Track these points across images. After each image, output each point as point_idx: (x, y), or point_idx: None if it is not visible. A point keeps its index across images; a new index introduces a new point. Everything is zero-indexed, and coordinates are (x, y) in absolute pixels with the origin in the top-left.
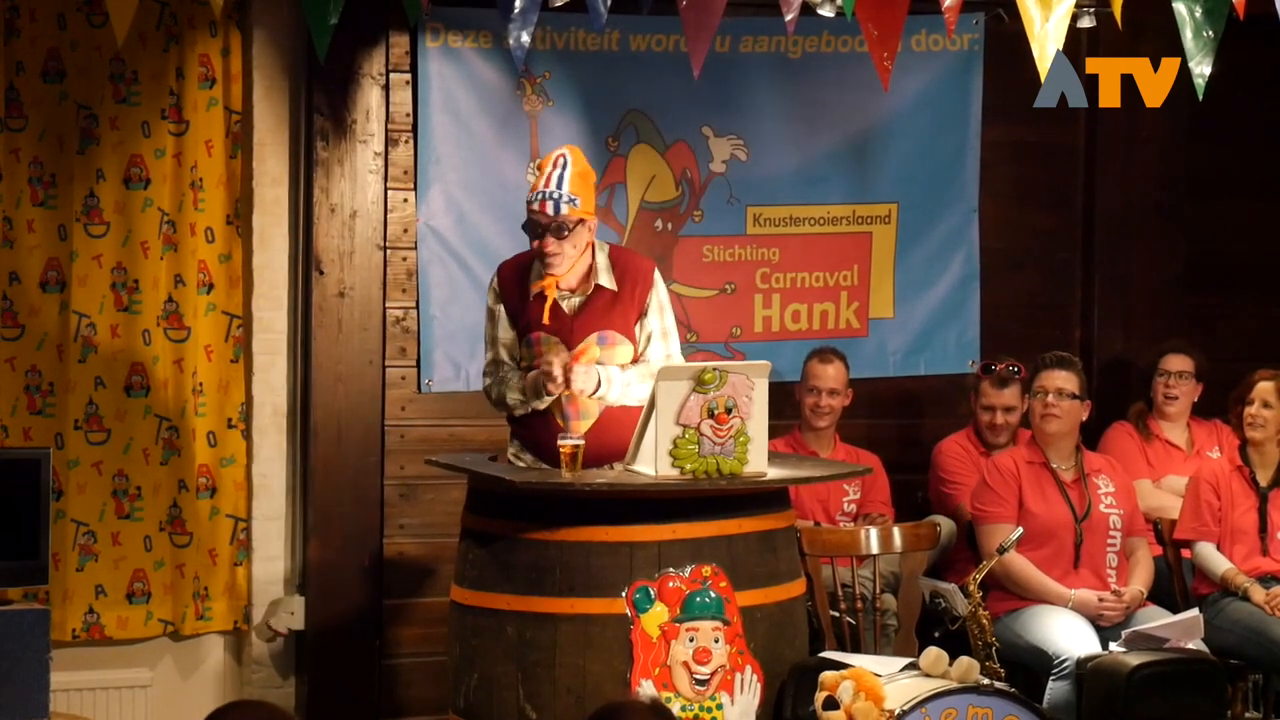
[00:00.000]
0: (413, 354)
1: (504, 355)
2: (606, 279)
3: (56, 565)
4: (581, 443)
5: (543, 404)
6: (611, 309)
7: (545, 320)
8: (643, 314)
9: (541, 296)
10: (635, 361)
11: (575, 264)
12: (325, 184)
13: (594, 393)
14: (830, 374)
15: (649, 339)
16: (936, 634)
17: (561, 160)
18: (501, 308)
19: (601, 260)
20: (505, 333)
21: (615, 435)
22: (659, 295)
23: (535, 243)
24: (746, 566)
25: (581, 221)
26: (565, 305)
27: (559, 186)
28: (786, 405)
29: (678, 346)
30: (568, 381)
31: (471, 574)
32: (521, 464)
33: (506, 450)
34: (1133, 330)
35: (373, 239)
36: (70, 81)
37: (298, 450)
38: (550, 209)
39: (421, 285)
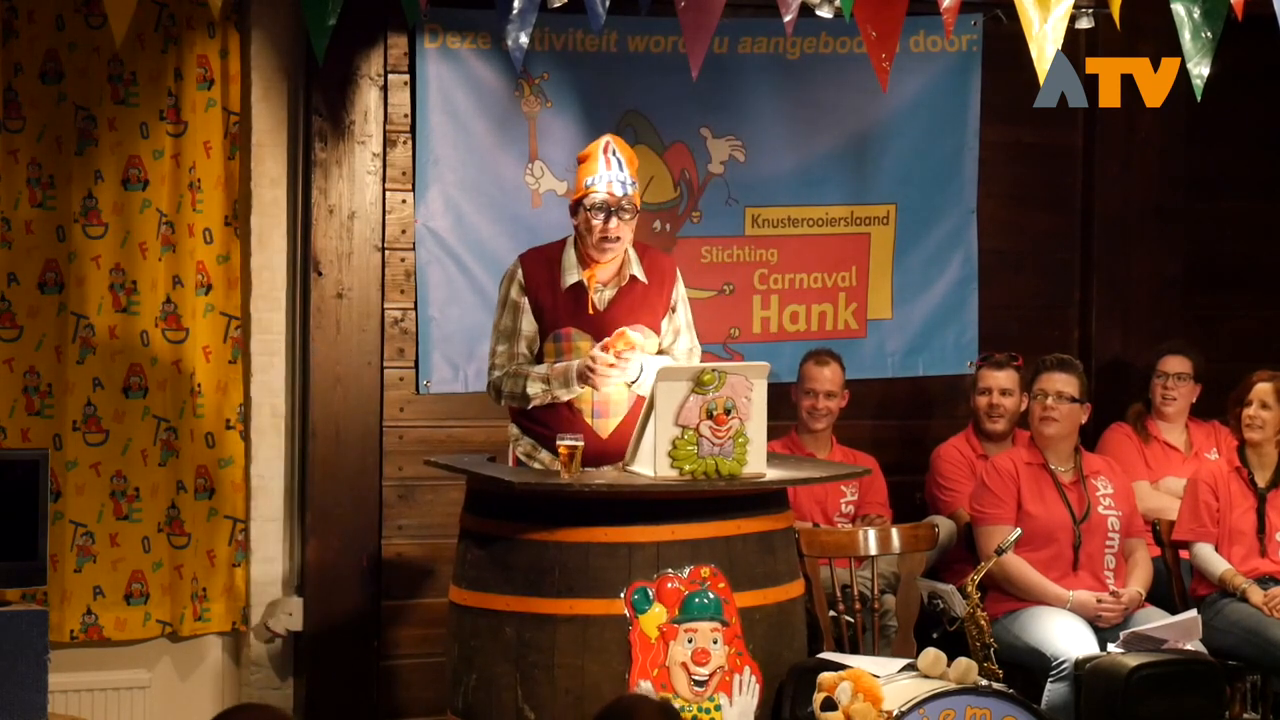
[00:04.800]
0: (411, 355)
1: (523, 349)
2: (639, 271)
3: (55, 566)
4: (580, 443)
5: (571, 394)
6: (642, 302)
7: (591, 310)
8: (671, 309)
9: (578, 288)
10: (660, 354)
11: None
12: (323, 185)
13: (634, 381)
14: (826, 376)
15: (676, 333)
16: (935, 635)
17: (611, 147)
18: (526, 300)
19: (631, 252)
20: (530, 326)
21: None
22: (681, 290)
23: (597, 226)
24: (745, 567)
25: (636, 208)
26: (597, 298)
27: (621, 169)
28: (784, 406)
29: (697, 340)
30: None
31: (470, 575)
32: (536, 464)
33: (512, 450)
34: (1131, 331)
35: (371, 240)
36: (68, 82)
37: (296, 451)
38: (618, 190)
39: (420, 286)
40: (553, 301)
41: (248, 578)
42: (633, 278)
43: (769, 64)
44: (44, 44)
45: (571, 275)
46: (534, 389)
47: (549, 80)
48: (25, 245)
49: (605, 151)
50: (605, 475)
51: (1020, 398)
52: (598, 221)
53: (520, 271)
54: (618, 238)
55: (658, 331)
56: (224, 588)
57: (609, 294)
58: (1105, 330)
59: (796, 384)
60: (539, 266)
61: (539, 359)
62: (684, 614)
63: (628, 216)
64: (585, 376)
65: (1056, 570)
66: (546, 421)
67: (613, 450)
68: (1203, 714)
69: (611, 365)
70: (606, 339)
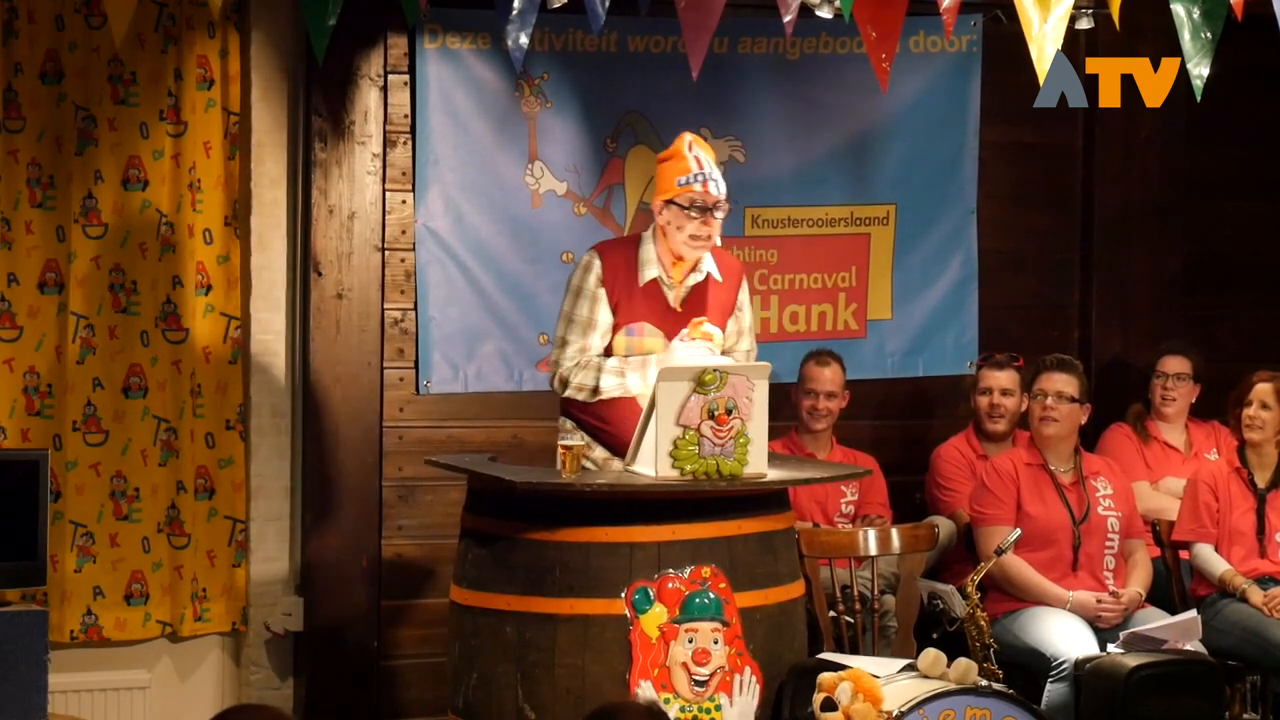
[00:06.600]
0: (411, 355)
1: (597, 341)
2: (714, 269)
3: (55, 566)
4: (580, 443)
5: (642, 389)
6: (714, 301)
7: (680, 308)
8: (737, 309)
9: (654, 284)
10: (724, 354)
11: None
12: (323, 185)
13: None
14: (827, 376)
15: (739, 334)
16: (935, 635)
17: (695, 145)
18: (604, 292)
19: (706, 251)
20: (607, 318)
21: None
22: (746, 292)
23: (692, 225)
24: (746, 568)
25: (730, 207)
26: (671, 295)
27: (712, 168)
28: (784, 407)
29: (755, 344)
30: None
31: (471, 574)
32: (589, 462)
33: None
34: (1131, 331)
35: (371, 240)
36: (68, 83)
37: (296, 451)
38: (714, 189)
39: (420, 286)
40: (629, 296)
41: (247, 578)
42: (708, 276)
43: (769, 64)
44: (44, 44)
45: (650, 270)
46: (608, 382)
47: (549, 80)
48: (25, 245)
49: (691, 150)
50: (606, 475)
51: (1020, 398)
52: (695, 220)
53: (598, 263)
54: (709, 236)
55: (724, 330)
56: (224, 588)
57: (683, 292)
58: (1105, 330)
59: (797, 384)
60: (617, 260)
61: (606, 352)
62: (685, 614)
63: (720, 216)
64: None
65: (1056, 571)
66: (606, 417)
67: None
68: (1202, 714)
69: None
70: (684, 330)
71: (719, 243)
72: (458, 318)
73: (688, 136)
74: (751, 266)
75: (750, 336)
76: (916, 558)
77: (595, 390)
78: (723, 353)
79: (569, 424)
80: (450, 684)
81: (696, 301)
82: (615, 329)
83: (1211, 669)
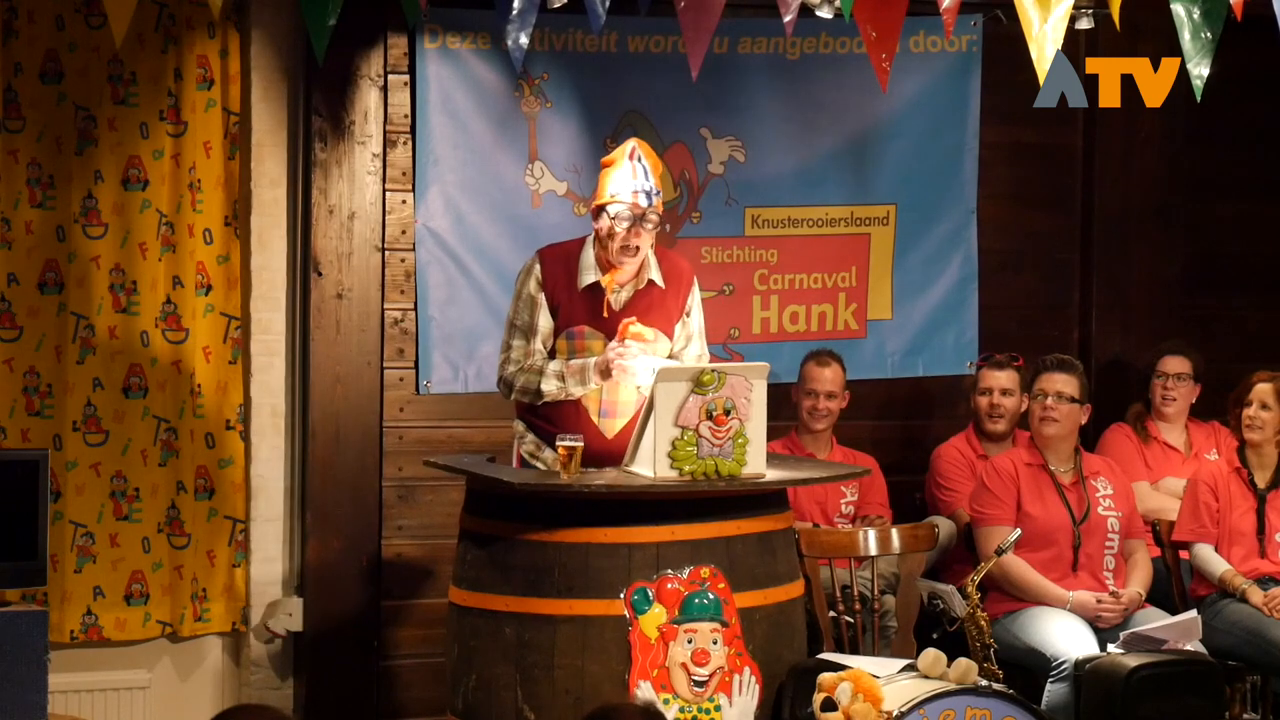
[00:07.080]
0: (411, 355)
1: (539, 345)
2: (657, 275)
3: (55, 567)
4: (580, 444)
5: (584, 392)
6: (658, 306)
7: (606, 314)
8: (685, 314)
9: (594, 289)
10: (670, 359)
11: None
12: (323, 185)
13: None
14: (828, 377)
15: (688, 339)
16: (935, 635)
17: (637, 153)
18: (544, 296)
19: (650, 256)
20: (546, 322)
21: None
22: (697, 296)
23: (619, 235)
24: (745, 568)
25: (659, 218)
26: (613, 299)
27: (646, 178)
28: (784, 407)
29: (707, 349)
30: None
31: (470, 575)
32: (539, 463)
33: (516, 447)
34: (1131, 331)
35: (371, 240)
36: (68, 82)
37: (296, 452)
38: (642, 200)
39: (420, 287)
40: (569, 300)
41: (248, 578)
42: (650, 281)
43: (769, 64)
44: (44, 44)
45: (589, 275)
46: (549, 385)
47: (549, 80)
48: (25, 245)
49: (630, 158)
50: (605, 476)
51: (1020, 398)
52: (620, 230)
53: (539, 267)
54: (637, 248)
55: (670, 336)
56: (224, 588)
57: (625, 295)
58: (1105, 330)
59: (797, 384)
60: (557, 264)
61: (550, 355)
62: (684, 614)
63: (650, 227)
64: (605, 371)
65: (1056, 571)
66: (553, 419)
67: (618, 450)
68: (1203, 714)
69: (621, 355)
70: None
71: (649, 253)
72: (458, 318)
73: (631, 144)
74: (751, 266)
75: (700, 341)
76: (916, 558)
77: (538, 393)
78: (670, 356)
79: (520, 426)
80: (449, 685)
81: (640, 306)
82: (557, 332)
83: (1211, 669)
